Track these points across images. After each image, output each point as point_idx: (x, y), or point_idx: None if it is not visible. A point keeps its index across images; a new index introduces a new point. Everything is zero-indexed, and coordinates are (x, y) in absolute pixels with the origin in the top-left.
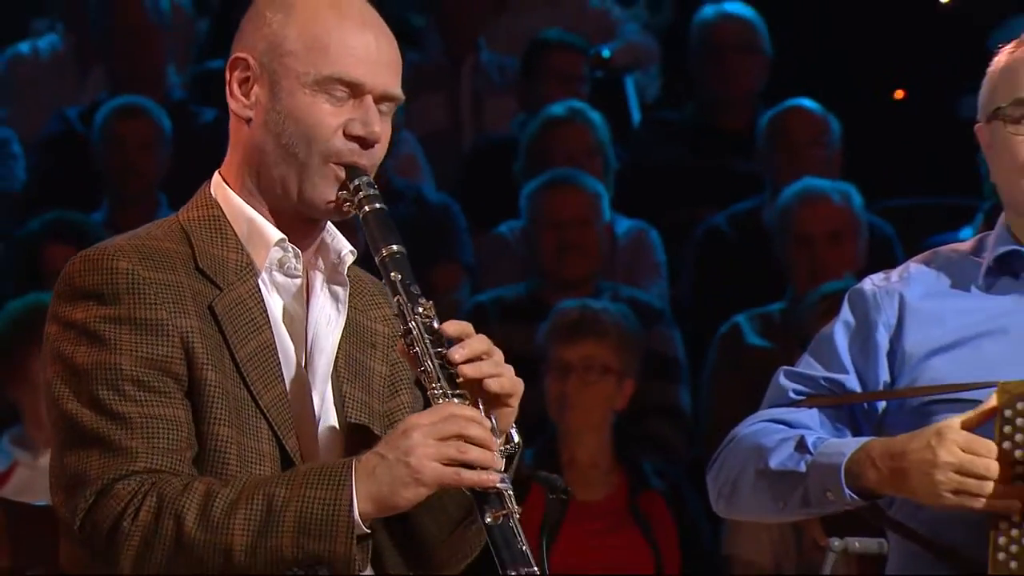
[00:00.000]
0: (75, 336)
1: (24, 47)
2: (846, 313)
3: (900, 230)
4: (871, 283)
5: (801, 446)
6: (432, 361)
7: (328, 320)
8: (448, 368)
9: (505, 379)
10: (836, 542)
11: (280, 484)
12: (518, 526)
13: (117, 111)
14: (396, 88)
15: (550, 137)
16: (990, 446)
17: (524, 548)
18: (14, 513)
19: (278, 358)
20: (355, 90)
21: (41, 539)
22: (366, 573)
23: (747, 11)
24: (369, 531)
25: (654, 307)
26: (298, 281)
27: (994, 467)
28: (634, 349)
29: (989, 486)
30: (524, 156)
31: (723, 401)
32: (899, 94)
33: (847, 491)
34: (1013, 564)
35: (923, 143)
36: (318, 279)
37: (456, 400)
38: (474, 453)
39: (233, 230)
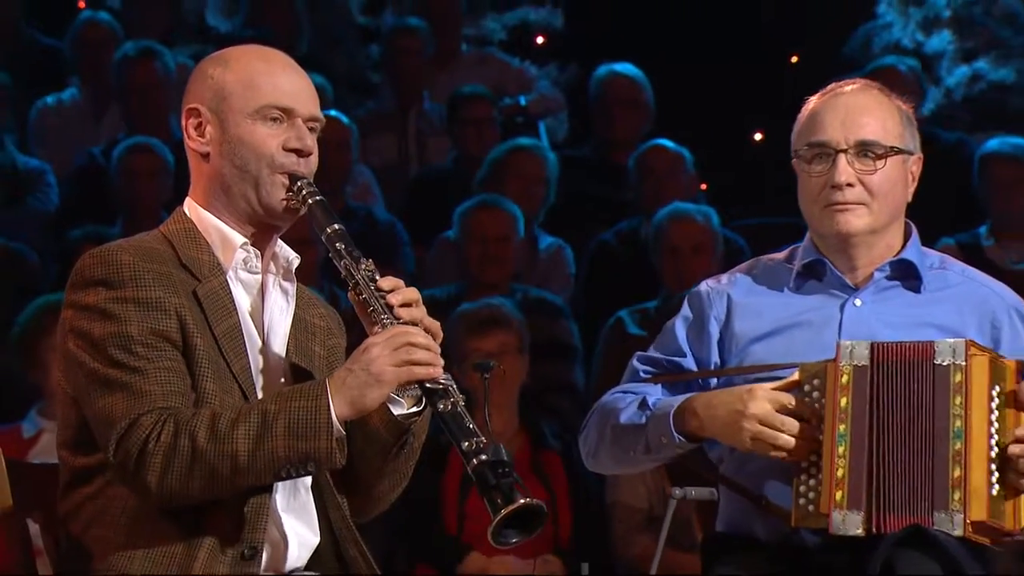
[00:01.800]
0: (90, 315)
1: (50, 99)
2: (686, 310)
3: (751, 243)
4: (706, 285)
5: (643, 405)
6: (378, 301)
7: (280, 310)
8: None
9: (429, 321)
10: (677, 491)
11: (270, 401)
12: (464, 410)
13: (130, 148)
14: (318, 111)
15: (513, 160)
16: (790, 404)
17: (471, 426)
18: (16, 469)
19: (243, 337)
20: (287, 114)
21: (39, 491)
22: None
23: (634, 71)
24: (344, 433)
25: (556, 304)
26: (258, 277)
27: (789, 422)
28: (526, 332)
29: (783, 437)
30: (487, 170)
31: (609, 379)
32: (758, 136)
33: (675, 435)
34: (811, 507)
35: (773, 175)
36: (271, 280)
37: (399, 326)
38: (420, 354)
39: (204, 238)
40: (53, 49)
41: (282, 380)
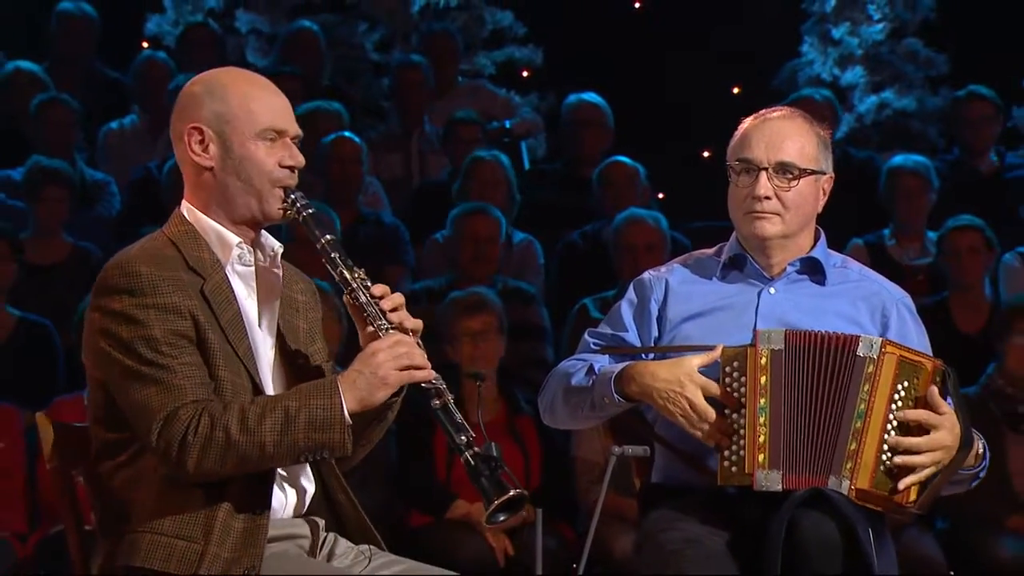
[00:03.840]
0: (117, 319)
1: (114, 124)
2: (631, 293)
3: (695, 243)
4: (648, 274)
5: (590, 370)
6: (374, 307)
7: (270, 293)
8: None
9: (413, 321)
10: (616, 448)
11: (290, 398)
12: (454, 407)
13: None
14: (298, 128)
15: (477, 169)
16: (715, 392)
17: (461, 421)
18: (62, 430)
19: (244, 323)
20: (280, 134)
21: (80, 450)
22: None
23: (598, 99)
24: (352, 424)
25: (529, 292)
26: (251, 269)
27: (710, 413)
28: (505, 316)
29: (703, 426)
30: (460, 179)
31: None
32: (707, 153)
33: (616, 396)
34: (734, 468)
35: (718, 185)
36: (261, 270)
37: (394, 331)
38: (418, 361)
39: (203, 239)
40: (118, 82)
41: (273, 356)
